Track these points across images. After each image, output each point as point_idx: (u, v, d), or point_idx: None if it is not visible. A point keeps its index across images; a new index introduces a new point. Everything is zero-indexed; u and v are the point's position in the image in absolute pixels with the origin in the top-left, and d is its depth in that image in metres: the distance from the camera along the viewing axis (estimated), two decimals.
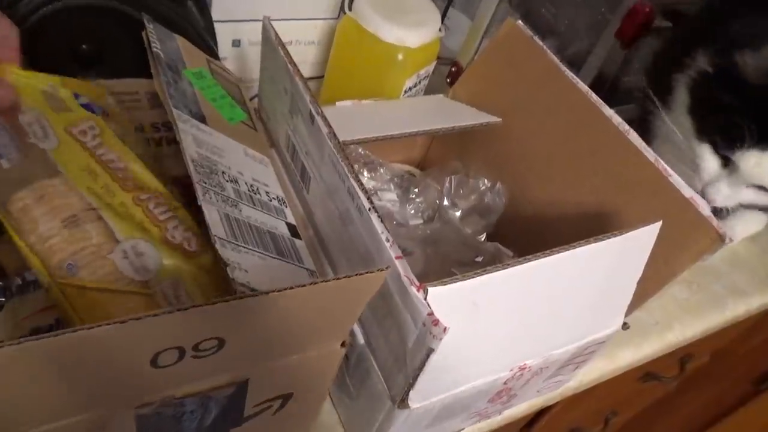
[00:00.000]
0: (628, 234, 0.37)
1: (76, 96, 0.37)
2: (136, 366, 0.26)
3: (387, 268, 0.28)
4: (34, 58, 0.45)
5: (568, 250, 0.34)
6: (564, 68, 0.48)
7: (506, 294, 0.34)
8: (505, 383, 0.39)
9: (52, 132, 0.35)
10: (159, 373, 0.27)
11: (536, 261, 0.33)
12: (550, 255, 0.34)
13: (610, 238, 0.36)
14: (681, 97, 0.57)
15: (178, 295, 0.34)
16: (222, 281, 0.35)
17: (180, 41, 0.43)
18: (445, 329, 0.28)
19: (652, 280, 0.41)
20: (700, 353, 0.83)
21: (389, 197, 0.53)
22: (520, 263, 0.33)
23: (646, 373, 0.77)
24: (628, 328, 0.43)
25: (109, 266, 0.33)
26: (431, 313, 0.28)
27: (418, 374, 0.31)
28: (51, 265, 0.32)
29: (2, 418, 0.24)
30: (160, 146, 0.45)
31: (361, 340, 0.37)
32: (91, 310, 0.32)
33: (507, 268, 0.32)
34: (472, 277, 0.31)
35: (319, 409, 0.40)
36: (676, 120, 0.57)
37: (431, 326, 0.28)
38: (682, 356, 0.79)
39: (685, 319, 0.61)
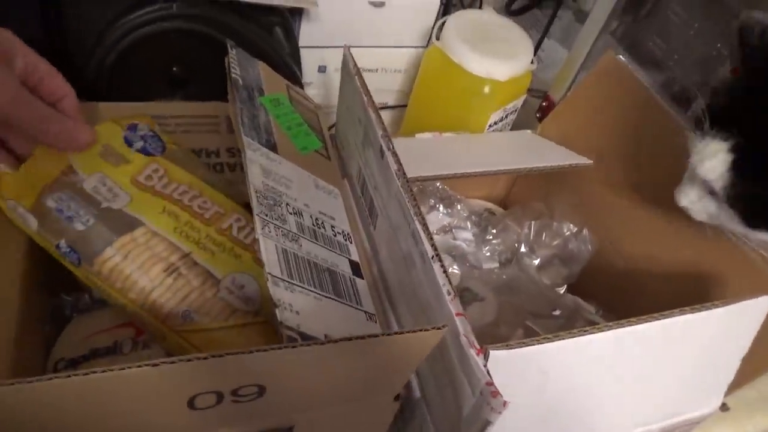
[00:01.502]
0: (735, 305, 0.32)
1: (129, 142, 0.37)
2: (174, 407, 0.25)
3: (444, 326, 0.25)
4: (125, 80, 0.46)
5: (660, 319, 0.30)
6: (670, 110, 0.44)
7: (581, 363, 0.30)
8: None
9: (119, 189, 0.35)
10: (197, 415, 0.26)
11: (619, 329, 0.29)
12: (637, 324, 0.29)
13: (712, 308, 0.31)
14: None
15: None
16: None
17: (261, 67, 0.43)
18: (504, 403, 0.25)
19: (761, 357, 0.35)
20: None
21: (465, 236, 0.50)
22: (601, 330, 0.29)
23: None
24: (727, 410, 0.38)
25: (221, 305, 0.33)
26: (490, 383, 0.25)
27: None
28: (162, 314, 0.33)
29: None
30: (234, 171, 0.45)
31: (417, 393, 0.34)
32: (218, 348, 0.31)
33: (583, 335, 0.28)
34: (542, 343, 0.28)
35: None
36: None
37: (489, 397, 0.25)
38: None
39: None
